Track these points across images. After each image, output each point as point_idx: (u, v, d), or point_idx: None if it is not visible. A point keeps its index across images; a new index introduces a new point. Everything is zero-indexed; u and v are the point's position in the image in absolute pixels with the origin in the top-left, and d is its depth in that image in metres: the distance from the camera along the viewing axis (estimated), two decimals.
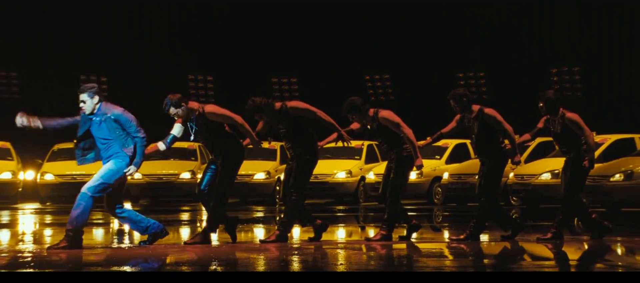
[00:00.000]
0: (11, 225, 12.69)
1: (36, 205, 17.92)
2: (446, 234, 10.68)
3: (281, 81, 26.26)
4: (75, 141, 8.25)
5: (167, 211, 15.67)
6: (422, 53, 25.17)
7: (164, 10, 26.76)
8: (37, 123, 8.10)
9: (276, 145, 18.28)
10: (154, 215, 14.30)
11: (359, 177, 18.38)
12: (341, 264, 7.17)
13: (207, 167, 8.71)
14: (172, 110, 8.39)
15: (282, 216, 8.89)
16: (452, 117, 9.01)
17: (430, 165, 17.67)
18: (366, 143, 19.08)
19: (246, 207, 16.89)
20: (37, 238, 10.19)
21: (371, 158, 18.87)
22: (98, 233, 10.99)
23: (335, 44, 25.91)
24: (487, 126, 8.76)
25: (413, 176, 17.69)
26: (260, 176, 18.27)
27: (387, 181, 8.85)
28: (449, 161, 17.94)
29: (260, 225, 12.20)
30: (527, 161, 16.85)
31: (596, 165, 15.05)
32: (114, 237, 10.34)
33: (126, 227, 12.21)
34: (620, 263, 7.61)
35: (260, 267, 7.10)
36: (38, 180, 18.92)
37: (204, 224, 8.72)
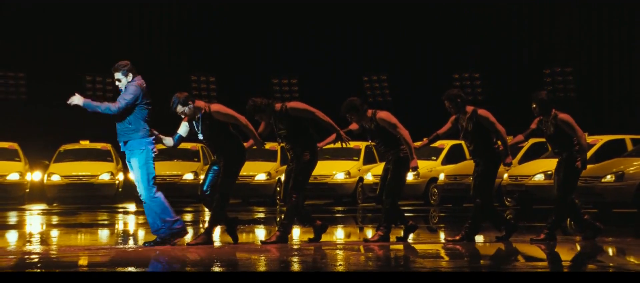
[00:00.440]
0: (19, 226, 12.69)
1: (43, 206, 17.91)
2: (442, 235, 10.68)
3: (281, 81, 26.27)
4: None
5: None
6: (420, 54, 25.16)
7: (166, 10, 26.76)
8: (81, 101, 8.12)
9: (276, 146, 18.28)
10: None
11: (358, 178, 18.36)
12: (340, 265, 7.18)
13: (209, 168, 8.71)
14: (180, 108, 8.39)
15: (282, 217, 8.90)
16: (449, 118, 9.01)
17: (426, 166, 17.65)
18: (364, 144, 19.07)
19: (247, 208, 16.89)
20: (44, 239, 10.19)
21: (369, 159, 18.86)
22: (103, 234, 11.00)
23: (334, 45, 25.91)
24: (481, 127, 8.77)
25: (410, 177, 17.66)
26: (261, 177, 18.27)
27: (385, 183, 8.85)
28: (445, 162, 17.92)
29: (261, 226, 12.20)
30: (520, 162, 16.83)
31: (588, 166, 15.14)
32: (119, 238, 10.34)
33: (133, 226, 12.24)
34: (611, 264, 7.62)
35: (261, 267, 7.11)
36: (45, 181, 18.89)
37: (206, 225, 8.73)
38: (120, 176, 19.75)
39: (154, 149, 8.09)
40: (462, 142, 10.23)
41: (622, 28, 24.22)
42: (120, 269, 6.89)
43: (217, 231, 9.37)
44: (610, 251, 8.47)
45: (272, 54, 25.78)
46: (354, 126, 8.97)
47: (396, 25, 25.48)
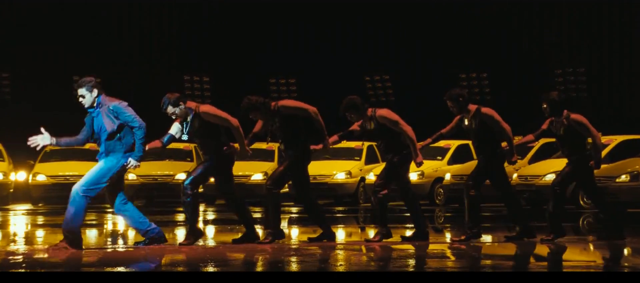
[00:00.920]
0: (3, 226, 12.68)
1: (28, 206, 17.90)
2: (448, 235, 10.69)
3: (279, 81, 26.27)
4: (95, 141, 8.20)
5: (162, 212, 15.67)
6: (422, 54, 25.20)
7: (158, 9, 26.78)
8: (52, 141, 8.18)
9: (274, 146, 18.30)
10: (149, 217, 14.34)
11: (359, 178, 18.40)
12: (341, 264, 7.17)
13: (197, 167, 8.74)
14: (170, 109, 8.42)
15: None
16: (452, 117, 9.02)
17: (432, 166, 17.70)
18: (366, 143, 19.09)
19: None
20: (30, 239, 10.17)
21: (371, 159, 18.88)
22: (91, 234, 10.99)
23: (334, 44, 25.93)
24: (485, 125, 8.78)
25: (414, 176, 17.71)
26: (257, 177, 18.29)
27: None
28: (451, 162, 17.97)
29: (258, 226, 12.19)
30: (530, 162, 16.86)
31: (602, 166, 15.14)
32: (108, 238, 10.33)
33: (122, 226, 12.24)
34: (626, 264, 7.62)
35: (258, 267, 7.10)
36: (30, 181, 18.90)
37: (188, 224, 8.71)
38: None
39: (126, 166, 8.04)
40: (469, 142, 10.26)
41: (635, 27, 24.27)
42: (109, 269, 6.88)
43: (210, 231, 9.35)
44: (626, 251, 8.46)
45: (270, 54, 25.80)
46: (354, 127, 8.96)
47: (399, 23, 25.51)
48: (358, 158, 18.86)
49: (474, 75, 25.22)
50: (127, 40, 26.22)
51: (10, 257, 7.69)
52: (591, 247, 8.81)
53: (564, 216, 9.02)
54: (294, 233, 10.28)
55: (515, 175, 16.22)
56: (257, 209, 16.45)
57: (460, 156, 18.02)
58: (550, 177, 15.47)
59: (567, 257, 8.06)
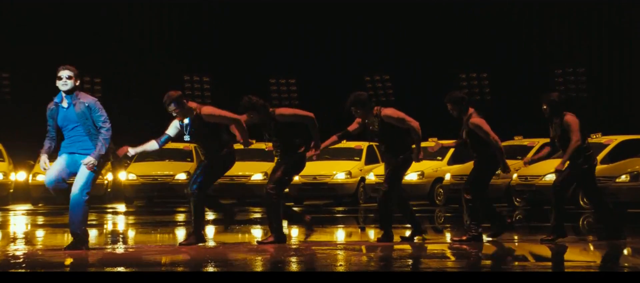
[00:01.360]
0: (2, 226, 12.68)
1: (28, 206, 17.90)
2: (448, 235, 10.69)
3: (279, 81, 26.27)
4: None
5: (162, 212, 15.68)
6: (422, 54, 25.19)
7: (158, 9, 26.77)
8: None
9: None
10: (149, 217, 14.37)
11: (359, 178, 18.40)
12: (341, 265, 7.18)
13: (198, 168, 8.75)
14: (172, 106, 8.43)
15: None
16: (451, 117, 9.01)
17: (432, 166, 17.70)
18: (366, 144, 19.09)
19: (242, 208, 16.89)
20: (30, 239, 10.18)
21: (371, 159, 18.88)
22: (91, 234, 10.99)
23: (334, 44, 25.93)
24: (474, 132, 8.81)
25: (414, 177, 17.71)
26: (257, 177, 18.29)
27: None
28: (451, 162, 17.95)
29: (258, 226, 12.20)
30: (530, 162, 16.81)
31: (602, 166, 15.14)
32: (108, 238, 10.34)
33: (122, 226, 12.24)
34: (626, 264, 7.62)
35: (259, 267, 7.11)
36: (30, 181, 18.91)
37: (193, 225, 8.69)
38: (109, 176, 19.76)
39: (86, 161, 7.95)
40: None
41: (635, 27, 24.27)
42: (109, 269, 6.88)
43: (210, 231, 9.35)
44: (626, 251, 8.46)
45: (270, 54, 25.81)
46: (353, 126, 8.94)
47: (399, 23, 25.50)
48: (358, 158, 18.86)
49: (474, 75, 25.22)
50: (127, 40, 26.21)
51: (11, 258, 7.70)
52: (591, 247, 8.81)
53: (565, 217, 9.02)
54: (294, 233, 10.28)
55: (515, 175, 16.20)
56: (256, 209, 16.47)
57: (460, 156, 18.01)
58: (551, 177, 15.48)
59: (567, 257, 8.07)
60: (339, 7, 25.35)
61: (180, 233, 11.06)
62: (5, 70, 24.81)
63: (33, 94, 23.81)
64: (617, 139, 16.12)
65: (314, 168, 18.10)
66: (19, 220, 14.05)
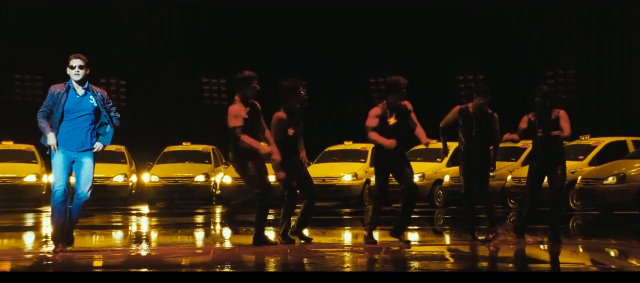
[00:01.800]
0: (35, 227, 12.71)
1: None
2: (447, 237, 10.67)
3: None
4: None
5: (181, 214, 15.67)
6: (425, 56, 25.11)
7: (158, 10, 26.80)
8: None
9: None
10: (169, 218, 14.37)
11: (365, 180, 18.28)
12: (348, 266, 7.18)
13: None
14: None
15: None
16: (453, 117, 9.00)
17: (431, 168, 17.57)
18: (370, 146, 19.01)
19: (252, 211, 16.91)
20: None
21: None
22: (117, 236, 11.03)
23: (334, 44, 25.94)
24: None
25: (415, 178, 17.59)
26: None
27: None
28: (450, 164, 17.82)
29: (270, 228, 12.21)
30: (524, 163, 16.74)
31: (589, 168, 15.05)
32: (132, 238, 10.37)
33: (146, 228, 12.26)
34: (613, 266, 7.60)
35: (270, 268, 7.12)
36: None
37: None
38: (134, 178, 19.82)
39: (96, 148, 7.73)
40: None
41: (624, 30, 24.15)
42: (134, 270, 6.91)
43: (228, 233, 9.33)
44: (612, 253, 8.44)
45: (269, 53, 25.75)
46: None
47: (399, 24, 25.46)
48: (363, 160, 18.73)
49: (471, 77, 25.14)
50: (127, 40, 26.23)
51: (42, 257, 7.71)
52: (580, 249, 8.78)
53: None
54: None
55: (509, 177, 16.10)
56: (271, 211, 16.45)
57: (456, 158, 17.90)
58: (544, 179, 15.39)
59: (556, 258, 8.05)
60: (339, 7, 25.33)
61: (199, 235, 11.08)
62: (39, 73, 24.87)
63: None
64: (604, 141, 15.98)
65: (322, 170, 18.05)
66: (47, 221, 14.05)
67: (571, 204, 14.76)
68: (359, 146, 19.00)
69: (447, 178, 17.35)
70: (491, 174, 9.16)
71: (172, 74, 26.07)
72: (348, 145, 19.18)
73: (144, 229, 12.32)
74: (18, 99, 24.87)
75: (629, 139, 16.02)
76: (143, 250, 8.81)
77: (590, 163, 15.44)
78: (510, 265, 7.63)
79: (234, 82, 8.35)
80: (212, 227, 12.56)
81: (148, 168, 19.87)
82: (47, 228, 12.72)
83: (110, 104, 7.78)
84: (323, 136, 20.08)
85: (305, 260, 7.53)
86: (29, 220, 14.05)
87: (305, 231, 9.03)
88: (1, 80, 25.01)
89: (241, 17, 26.16)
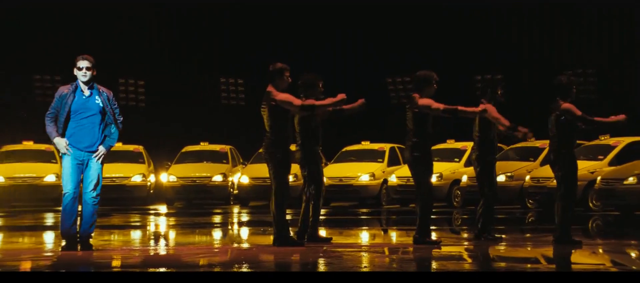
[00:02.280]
0: (55, 227, 12.79)
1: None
2: (465, 236, 10.63)
3: None
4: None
5: (199, 214, 15.72)
6: (442, 56, 25.04)
7: (196, 15, 26.95)
8: None
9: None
10: (187, 218, 14.44)
11: (382, 180, 18.27)
12: (365, 267, 7.18)
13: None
14: None
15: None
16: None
17: (449, 168, 17.52)
18: (388, 145, 18.99)
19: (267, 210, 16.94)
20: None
21: (393, 161, 18.77)
22: (135, 236, 11.09)
23: (335, 44, 25.97)
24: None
25: (433, 179, 17.55)
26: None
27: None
28: (468, 164, 17.76)
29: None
30: (542, 163, 16.66)
31: (609, 168, 14.92)
32: (151, 238, 10.42)
33: (164, 228, 12.32)
34: (634, 267, 7.53)
35: (289, 268, 7.13)
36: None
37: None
38: (152, 178, 19.91)
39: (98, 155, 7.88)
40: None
41: None
42: (151, 269, 6.94)
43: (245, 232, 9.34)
44: (633, 254, 8.37)
45: (299, 57, 25.85)
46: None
47: (400, 24, 25.45)
48: (381, 160, 18.72)
49: (489, 76, 25.06)
50: (165, 43, 26.38)
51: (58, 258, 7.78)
52: (600, 250, 8.72)
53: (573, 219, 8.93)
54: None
55: (527, 177, 16.03)
56: (289, 211, 16.47)
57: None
58: None
59: (569, 259, 7.99)
60: (339, 7, 25.33)
61: (217, 235, 11.11)
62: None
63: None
64: (624, 141, 15.85)
65: (339, 170, 18.04)
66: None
67: (590, 204, 14.65)
68: (376, 146, 18.98)
69: (465, 178, 17.30)
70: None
71: (190, 75, 26.24)
72: (365, 145, 19.17)
73: (162, 229, 12.37)
74: (39, 100, 25.07)
75: None
76: (161, 249, 8.85)
77: (610, 163, 15.31)
78: (528, 265, 7.59)
79: (268, 74, 8.35)
80: (229, 227, 12.59)
81: (166, 168, 19.94)
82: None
83: (116, 106, 7.86)
84: (340, 136, 20.10)
85: (321, 261, 7.53)
86: (49, 219, 14.15)
87: (322, 232, 8.99)
88: (22, 81, 25.20)
89: (260, 18, 26.23)
